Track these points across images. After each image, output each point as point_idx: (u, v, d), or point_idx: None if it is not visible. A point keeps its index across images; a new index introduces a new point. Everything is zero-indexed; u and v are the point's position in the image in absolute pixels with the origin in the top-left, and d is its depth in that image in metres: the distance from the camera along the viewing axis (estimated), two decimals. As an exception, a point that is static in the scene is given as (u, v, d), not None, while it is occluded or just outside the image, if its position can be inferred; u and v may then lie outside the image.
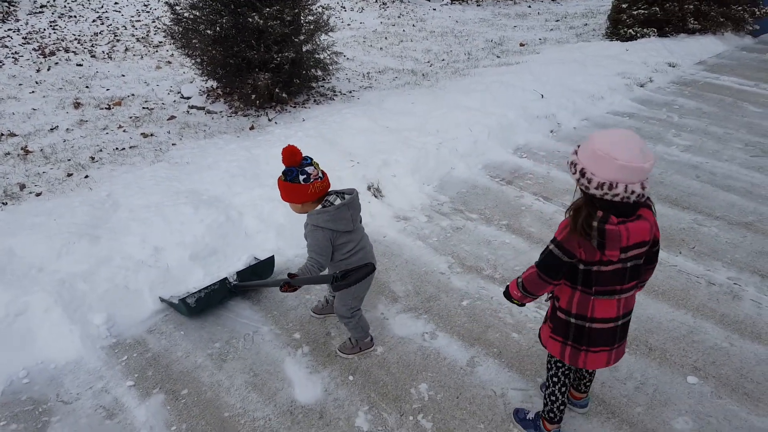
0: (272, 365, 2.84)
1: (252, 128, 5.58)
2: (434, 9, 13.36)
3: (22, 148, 5.08)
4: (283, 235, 3.78)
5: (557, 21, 12.14)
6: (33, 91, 6.74)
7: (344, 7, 12.58)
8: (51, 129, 5.57)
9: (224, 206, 3.91)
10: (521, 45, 9.38)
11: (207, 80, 6.49)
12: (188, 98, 6.62)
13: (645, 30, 9.25)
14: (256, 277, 3.35)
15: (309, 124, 5.44)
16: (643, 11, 9.25)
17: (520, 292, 2.10)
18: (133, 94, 6.66)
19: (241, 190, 4.08)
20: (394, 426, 2.51)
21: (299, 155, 2.41)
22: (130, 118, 5.88)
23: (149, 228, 3.64)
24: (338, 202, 2.49)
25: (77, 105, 6.28)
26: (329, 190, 2.54)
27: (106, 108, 6.20)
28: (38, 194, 4.29)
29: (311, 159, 2.46)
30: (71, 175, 4.59)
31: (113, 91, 6.76)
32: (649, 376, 2.73)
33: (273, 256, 3.47)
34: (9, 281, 3.20)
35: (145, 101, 6.45)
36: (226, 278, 3.21)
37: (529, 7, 14.28)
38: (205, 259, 3.55)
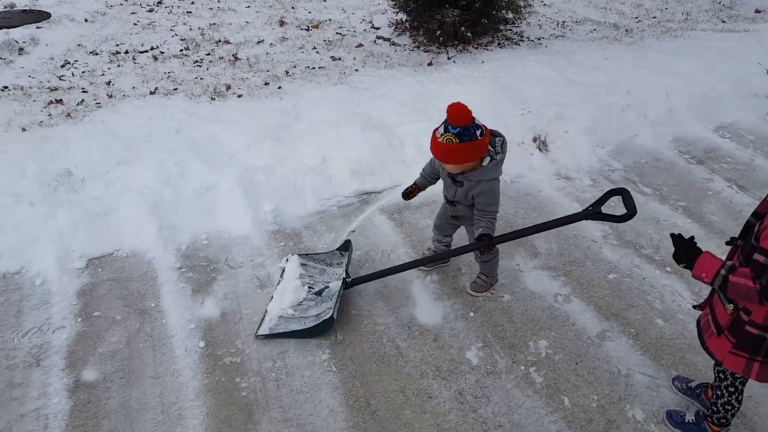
0: (401, 283, 3.00)
1: (430, 64, 5.62)
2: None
3: (233, 55, 5.77)
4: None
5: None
6: (248, 6, 7.52)
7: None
8: (258, 42, 6.21)
9: (389, 133, 4.08)
10: (757, 12, 7.89)
11: (398, 12, 6.62)
12: (377, 28, 6.84)
13: None
14: (348, 265, 3.00)
15: (487, 66, 5.32)
16: None
17: (712, 282, 1.73)
18: (330, 19, 7.07)
19: (408, 121, 4.20)
20: (504, 369, 2.53)
21: (468, 112, 2.29)
22: (324, 41, 6.28)
23: (322, 140, 3.97)
24: (499, 148, 2.49)
25: (282, 23, 6.88)
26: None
27: (305, 29, 6.70)
28: (239, 96, 4.88)
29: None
30: (268, 84, 5.12)
31: (314, 14, 7.24)
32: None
33: (349, 240, 3.14)
34: (208, 161, 3.78)
35: (340, 27, 6.82)
36: (344, 278, 2.83)
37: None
38: (363, 177, 3.79)
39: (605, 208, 2.43)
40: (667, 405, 2.34)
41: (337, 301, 2.68)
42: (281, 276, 2.95)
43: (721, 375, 2.04)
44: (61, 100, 4.66)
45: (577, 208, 3.60)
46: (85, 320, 2.79)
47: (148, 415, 2.34)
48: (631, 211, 2.28)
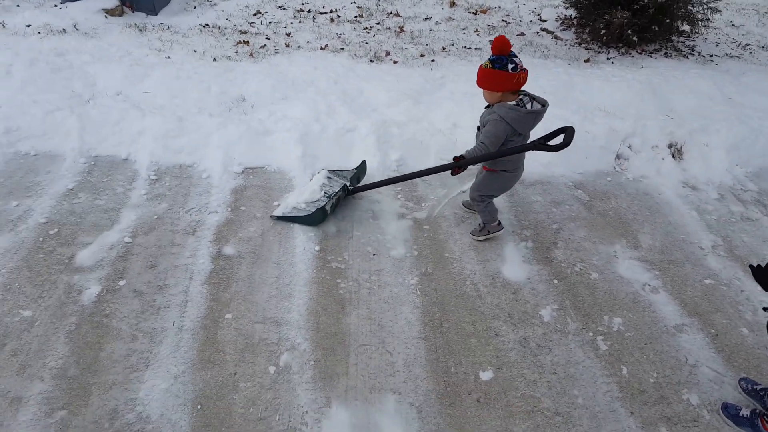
0: (496, 242, 3.26)
1: (587, 61, 5.64)
2: None
3: (399, 27, 6.27)
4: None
5: None
6: (426, -16, 7.98)
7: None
8: (425, 18, 6.66)
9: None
10: None
11: (568, 8, 6.65)
12: (544, 21, 6.93)
13: None
14: (356, 180, 3.57)
15: (645, 71, 5.22)
16: None
17: None
18: (499, 7, 7.28)
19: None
20: (572, 331, 2.71)
21: (509, 45, 2.54)
22: (488, 25, 6.54)
23: (457, 109, 4.30)
24: (530, 106, 2.65)
25: (452, 5, 7.25)
26: (523, 88, 2.67)
27: (473, 13, 7.01)
28: (395, 62, 5.36)
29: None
30: (423, 56, 5.53)
31: (485, 0, 7.51)
32: None
33: (365, 161, 3.70)
34: (353, 108, 4.31)
35: (507, 15, 7.01)
36: (345, 184, 3.42)
37: None
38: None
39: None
40: (726, 399, 2.37)
41: (331, 199, 3.29)
42: (310, 179, 3.56)
43: None
44: (247, 42, 5.50)
45: (694, 216, 3.56)
46: (234, 211, 3.44)
47: (265, 288, 2.90)
48: (566, 142, 2.54)
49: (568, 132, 2.62)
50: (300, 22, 6.20)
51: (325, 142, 4.00)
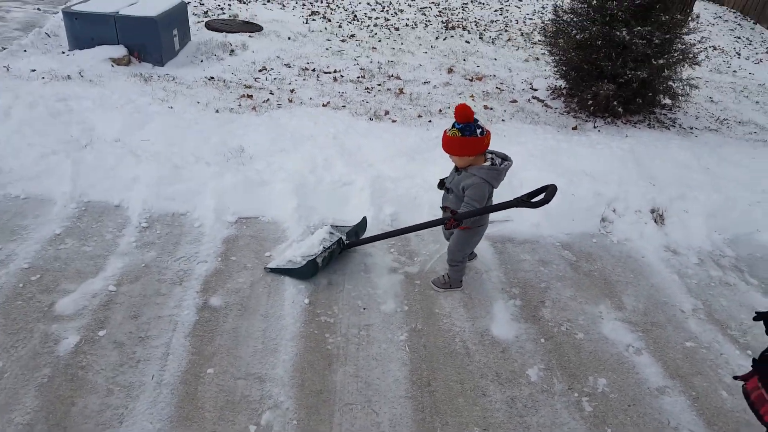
0: (485, 299, 3.33)
1: (575, 128, 5.89)
2: None
3: (399, 89, 6.52)
4: (548, 213, 4.11)
5: None
6: (426, 52, 8.36)
7: (739, 54, 11.32)
8: (424, 82, 6.94)
9: (510, 174, 4.44)
10: None
11: (558, 79, 7.00)
12: (535, 90, 7.27)
13: None
14: (354, 235, 3.64)
15: (629, 140, 5.47)
16: None
17: None
18: (494, 75, 7.63)
19: (531, 168, 4.53)
20: (558, 392, 2.74)
21: (472, 112, 2.78)
22: (482, 92, 6.83)
23: (450, 166, 4.44)
24: (498, 162, 2.90)
25: (450, 71, 7.58)
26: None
27: (469, 79, 7.32)
28: (393, 121, 5.55)
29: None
30: (420, 116, 5.74)
31: (482, 68, 7.86)
32: None
33: (365, 217, 3.79)
34: (351, 163, 4.44)
35: (501, 83, 7.34)
36: (341, 238, 3.48)
37: None
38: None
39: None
40: (709, 466, 2.40)
41: (324, 253, 3.32)
42: (311, 234, 3.62)
43: None
44: (251, 95, 5.69)
45: (676, 279, 3.67)
46: (223, 261, 3.47)
47: (251, 342, 2.88)
48: (546, 199, 2.69)
49: (550, 189, 2.76)
50: (304, 79, 6.43)
51: (321, 194, 4.10)
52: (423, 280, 3.46)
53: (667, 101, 6.39)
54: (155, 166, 4.14)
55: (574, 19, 6.38)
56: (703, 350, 3.08)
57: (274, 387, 2.64)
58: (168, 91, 5.43)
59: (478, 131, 2.82)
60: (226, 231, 3.75)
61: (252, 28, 8.10)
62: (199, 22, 8.01)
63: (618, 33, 5.80)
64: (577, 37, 6.19)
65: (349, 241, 3.55)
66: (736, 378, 2.22)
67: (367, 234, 3.78)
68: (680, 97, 6.22)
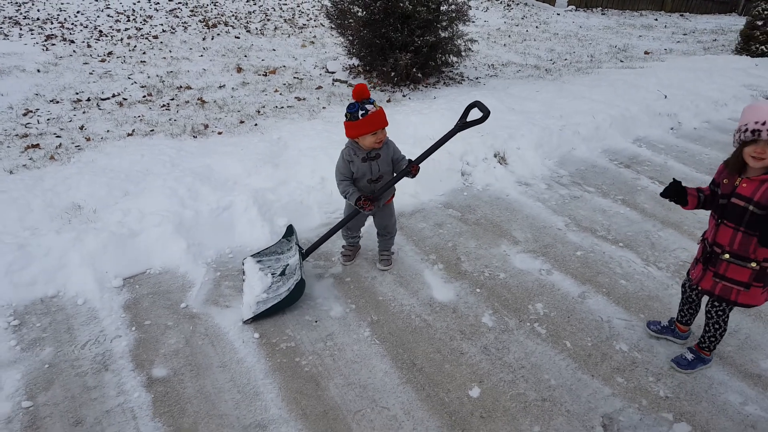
0: (414, 273, 3.54)
1: (389, 101, 6.33)
2: (558, 14, 13.59)
3: (198, 99, 6.15)
4: (419, 182, 4.46)
5: (684, 35, 12.00)
6: (201, 55, 7.95)
7: (470, 6, 13.17)
8: (219, 86, 6.65)
9: (375, 154, 4.68)
10: (646, 53, 9.50)
11: (351, 58, 7.34)
12: (332, 72, 7.52)
13: (780, 47, 9.07)
14: (296, 242, 3.51)
15: (440, 101, 6.10)
16: (781, 28, 9.07)
17: None
18: (284, 66, 7.65)
19: (389, 144, 4.82)
20: (514, 327, 3.12)
21: (367, 92, 2.92)
22: (284, 84, 6.83)
23: (316, 162, 4.48)
24: None
25: (239, 70, 7.36)
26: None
27: (263, 75, 7.23)
28: (220, 133, 5.28)
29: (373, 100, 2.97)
30: (243, 122, 5.55)
31: (267, 61, 7.80)
32: (743, 327, 3.13)
33: (291, 225, 3.69)
34: (214, 186, 4.15)
35: (296, 72, 7.41)
36: (300, 248, 3.43)
37: (656, 20, 14.11)
38: (360, 192, 4.32)
39: (470, 119, 3.22)
40: (642, 339, 3.03)
41: (300, 268, 3.20)
42: (243, 276, 3.39)
43: (722, 313, 2.61)
44: (37, 144, 4.79)
45: (540, 206, 4.35)
46: (139, 328, 3.05)
47: (226, 395, 2.65)
48: (485, 113, 3.05)
49: (477, 104, 3.09)
50: (84, 112, 5.62)
51: (204, 226, 3.78)
52: (351, 276, 3.52)
53: (453, 59, 7.25)
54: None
55: (356, -1, 6.76)
56: (591, 254, 3.78)
57: (280, 427, 2.49)
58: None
59: (361, 113, 2.94)
60: (120, 297, 3.26)
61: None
62: None
63: (401, 4, 6.34)
64: (362, 14, 6.59)
65: (306, 249, 3.45)
66: (662, 195, 2.57)
67: (267, 245, 3.69)
68: (463, 54, 7.12)
